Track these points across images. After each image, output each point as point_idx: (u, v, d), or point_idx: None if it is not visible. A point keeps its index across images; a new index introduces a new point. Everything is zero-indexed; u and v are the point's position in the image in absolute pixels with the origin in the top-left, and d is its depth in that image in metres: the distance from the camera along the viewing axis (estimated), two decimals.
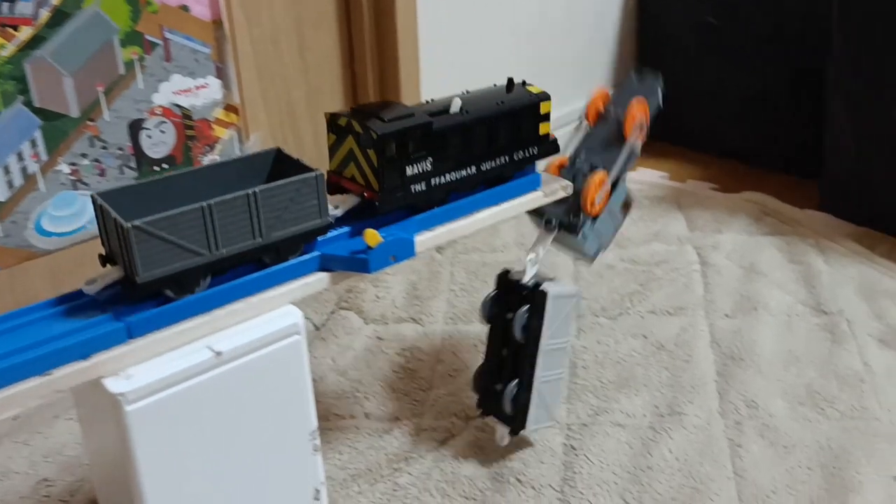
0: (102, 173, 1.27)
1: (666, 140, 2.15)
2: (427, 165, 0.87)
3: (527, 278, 0.99)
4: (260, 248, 0.76)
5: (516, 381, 1.00)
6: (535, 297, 0.97)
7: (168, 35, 1.28)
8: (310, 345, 1.28)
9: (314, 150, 1.56)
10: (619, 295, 1.41)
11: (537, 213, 1.03)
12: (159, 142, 1.33)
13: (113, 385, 0.67)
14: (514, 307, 0.99)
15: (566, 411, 1.13)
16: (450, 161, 0.89)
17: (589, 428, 1.10)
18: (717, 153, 2.05)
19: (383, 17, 1.55)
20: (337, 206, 0.86)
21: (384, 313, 1.36)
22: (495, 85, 0.98)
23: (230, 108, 1.40)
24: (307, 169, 0.79)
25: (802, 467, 1.03)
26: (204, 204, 0.72)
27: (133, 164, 1.30)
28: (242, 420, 0.76)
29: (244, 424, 0.76)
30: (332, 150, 0.89)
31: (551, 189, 0.98)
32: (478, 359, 1.24)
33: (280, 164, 0.84)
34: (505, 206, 0.94)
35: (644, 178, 1.92)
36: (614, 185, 1.04)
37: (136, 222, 0.68)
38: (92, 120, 1.23)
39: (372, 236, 0.79)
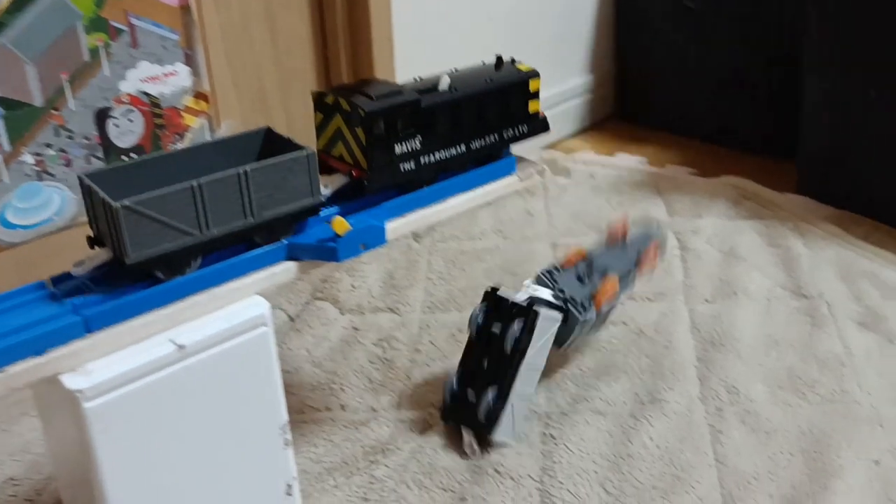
0: (68, 164, 1.23)
1: (644, 124, 2.14)
2: (416, 144, 0.86)
3: (520, 299, 1.03)
4: (251, 228, 0.75)
5: (496, 388, 1.01)
6: (528, 313, 1.01)
7: (134, 21, 1.25)
8: (284, 336, 1.25)
9: None
10: None
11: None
12: (127, 131, 1.30)
13: (70, 381, 0.65)
14: (505, 321, 1.02)
15: (545, 399, 1.11)
16: (439, 139, 0.88)
17: (568, 416, 1.08)
18: (695, 137, 2.04)
19: None
20: (326, 185, 0.85)
21: (360, 303, 1.34)
22: (483, 63, 0.97)
23: (200, 96, 1.37)
24: (298, 147, 0.77)
25: (784, 453, 1.02)
26: (194, 183, 0.71)
27: (100, 154, 1.27)
28: (209, 415, 0.73)
29: (211, 420, 0.74)
30: (320, 129, 0.88)
31: (526, 174, 0.96)
32: (456, 348, 1.22)
33: (270, 143, 0.83)
34: (479, 191, 0.92)
35: (623, 163, 1.91)
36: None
37: (125, 202, 0.67)
38: (56, 109, 1.20)
39: (340, 224, 0.77)
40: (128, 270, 0.69)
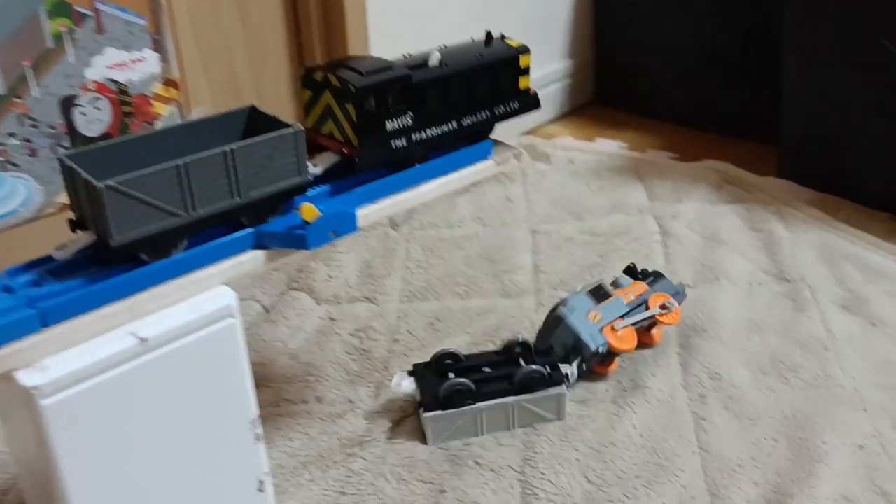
0: (33, 153, 1.20)
1: (624, 109, 2.12)
2: (407, 120, 0.85)
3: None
4: (238, 209, 0.74)
5: (473, 386, 1.00)
6: (552, 380, 1.02)
7: (99, 6, 1.21)
8: (259, 327, 1.23)
9: None
10: (579, 267, 1.38)
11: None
12: (94, 119, 1.26)
13: (26, 378, 0.62)
14: (526, 361, 1.04)
15: None
16: (430, 116, 0.87)
17: None
18: (676, 121, 2.02)
19: None
20: (316, 164, 0.84)
21: (337, 293, 1.31)
22: (473, 39, 0.96)
23: (170, 83, 1.33)
24: (285, 125, 0.76)
25: (768, 439, 1.01)
26: (179, 162, 0.69)
27: (67, 143, 1.23)
28: (174, 411, 0.70)
29: (176, 416, 0.71)
30: (308, 106, 0.86)
31: (503, 158, 0.94)
32: (434, 338, 1.20)
33: (255, 122, 0.81)
34: (455, 175, 0.89)
35: (603, 148, 1.89)
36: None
37: (109, 182, 0.65)
38: (19, 97, 1.16)
39: (309, 210, 0.74)
40: (112, 253, 0.68)
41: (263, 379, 1.12)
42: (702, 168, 1.74)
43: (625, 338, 1.09)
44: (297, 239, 0.74)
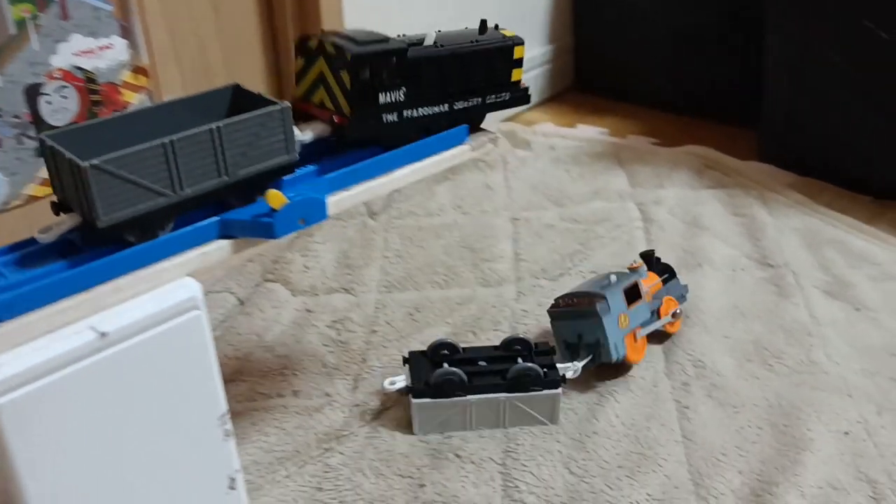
0: None
1: (604, 95, 2.10)
2: (400, 95, 0.84)
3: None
4: (225, 188, 0.73)
5: (465, 377, 0.98)
6: (547, 381, 0.99)
7: None
8: (234, 320, 1.20)
9: None
10: (560, 255, 1.36)
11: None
12: (61, 108, 1.22)
13: None
14: (524, 359, 1.01)
15: None
16: (423, 94, 0.86)
17: None
18: (656, 105, 2.01)
19: None
20: (304, 130, 0.82)
21: (314, 284, 1.28)
22: (466, 28, 0.95)
23: (139, 70, 1.29)
24: (271, 102, 0.75)
25: (752, 427, 0.99)
26: (165, 140, 0.68)
27: (32, 133, 1.19)
28: (138, 408, 0.68)
29: (140, 413, 0.68)
30: (300, 75, 0.85)
31: (479, 142, 0.91)
32: (413, 329, 1.17)
33: (240, 100, 0.80)
34: (429, 161, 0.87)
35: (584, 134, 1.87)
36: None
37: (94, 161, 0.64)
38: None
39: (276, 197, 0.71)
40: (99, 235, 0.66)
41: (238, 373, 1.09)
42: (683, 153, 1.72)
43: (640, 348, 1.09)
44: (264, 227, 0.71)
